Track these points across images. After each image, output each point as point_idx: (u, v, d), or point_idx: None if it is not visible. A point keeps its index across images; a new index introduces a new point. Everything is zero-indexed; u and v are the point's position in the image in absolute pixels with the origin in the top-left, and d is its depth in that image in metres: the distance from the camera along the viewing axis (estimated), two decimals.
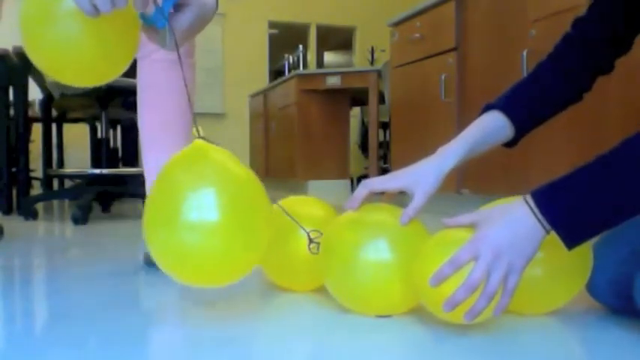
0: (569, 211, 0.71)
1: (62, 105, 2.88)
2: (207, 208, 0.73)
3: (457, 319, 0.74)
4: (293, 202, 1.02)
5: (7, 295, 1.07)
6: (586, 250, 0.82)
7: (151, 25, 0.79)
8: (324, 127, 4.57)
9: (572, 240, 0.72)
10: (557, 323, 0.83)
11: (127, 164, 3.55)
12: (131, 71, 1.04)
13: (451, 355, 0.71)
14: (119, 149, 3.59)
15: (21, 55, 2.69)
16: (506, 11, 2.20)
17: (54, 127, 3.50)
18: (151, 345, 0.79)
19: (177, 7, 0.80)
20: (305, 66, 6.45)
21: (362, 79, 4.03)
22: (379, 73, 3.89)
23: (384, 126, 4.63)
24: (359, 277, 0.83)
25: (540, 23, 2.00)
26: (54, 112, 3.27)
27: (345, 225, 0.88)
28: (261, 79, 6.82)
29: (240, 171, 0.79)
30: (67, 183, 3.99)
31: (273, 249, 0.86)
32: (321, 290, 0.94)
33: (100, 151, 2.70)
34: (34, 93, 3.10)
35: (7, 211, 2.78)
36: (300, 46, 5.88)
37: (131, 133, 3.63)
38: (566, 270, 0.83)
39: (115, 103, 2.60)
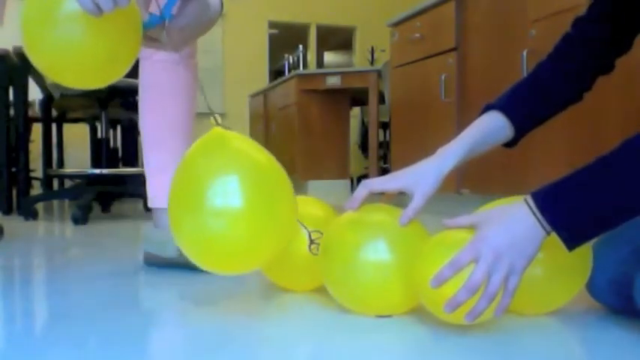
0: (569, 212, 0.71)
1: (62, 105, 2.88)
2: (232, 195, 0.74)
3: (458, 320, 0.74)
4: None
5: (7, 295, 1.07)
6: (586, 250, 0.82)
7: (148, 29, 0.79)
8: (324, 127, 4.57)
9: (572, 241, 0.72)
10: (557, 323, 0.83)
11: (126, 164, 3.55)
12: (132, 72, 1.04)
13: (451, 355, 0.71)
14: (119, 149, 3.60)
15: (21, 55, 2.69)
16: (506, 11, 2.20)
17: (54, 127, 3.50)
18: (151, 345, 0.79)
19: (180, 9, 0.79)
20: (305, 66, 6.45)
21: (362, 79, 4.03)
22: (379, 73, 3.89)
23: (384, 126, 4.63)
24: (359, 277, 0.83)
25: (540, 23, 2.00)
26: (54, 112, 3.27)
27: (345, 225, 0.88)
28: (261, 79, 6.82)
29: (262, 157, 0.80)
30: (67, 183, 4.00)
31: None
32: (321, 290, 0.94)
33: (100, 151, 2.70)
34: (34, 93, 3.10)
35: (7, 211, 2.78)
36: (300, 46, 5.88)
37: (131, 133, 3.63)
38: (566, 270, 0.83)
39: (115, 103, 2.61)
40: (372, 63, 5.65)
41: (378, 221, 0.87)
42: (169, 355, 0.74)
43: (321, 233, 0.92)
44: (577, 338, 0.80)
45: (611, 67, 0.95)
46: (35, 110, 3.60)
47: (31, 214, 2.49)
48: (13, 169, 2.87)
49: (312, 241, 0.93)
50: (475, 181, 2.36)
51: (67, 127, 3.84)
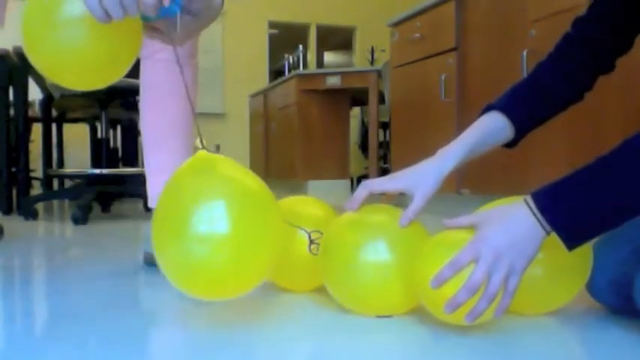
0: (569, 212, 0.71)
1: (62, 105, 2.88)
2: (216, 221, 0.71)
3: (458, 321, 0.74)
4: (293, 202, 1.02)
5: (7, 295, 1.07)
6: (586, 249, 0.82)
7: (155, 21, 0.78)
8: (324, 127, 4.57)
9: (572, 241, 0.72)
10: (557, 323, 0.83)
11: (126, 164, 3.55)
12: (132, 71, 1.04)
13: (451, 355, 0.71)
14: (119, 149, 3.60)
15: (21, 55, 2.69)
16: (506, 11, 2.20)
17: (54, 127, 3.50)
18: (151, 345, 0.79)
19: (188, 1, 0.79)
20: (305, 66, 6.45)
21: (362, 79, 4.03)
22: (379, 73, 3.89)
23: (384, 126, 4.63)
24: (359, 277, 0.83)
25: (540, 23, 2.00)
26: (54, 112, 3.27)
27: (345, 226, 0.88)
28: (261, 79, 6.82)
29: (250, 181, 0.77)
30: (67, 183, 4.00)
31: None
32: (321, 290, 0.94)
33: (100, 151, 2.70)
34: (34, 93, 3.10)
35: (7, 211, 2.78)
36: (300, 46, 5.88)
37: (131, 133, 3.63)
38: (566, 270, 0.83)
39: (114, 103, 2.61)
40: (372, 63, 5.66)
41: (378, 221, 0.87)
42: (169, 355, 0.74)
43: (321, 233, 0.92)
44: (577, 338, 0.80)
45: (612, 67, 0.95)
46: (35, 110, 3.60)
47: (31, 214, 2.49)
48: (13, 169, 2.87)
49: (312, 241, 0.93)
50: (475, 181, 2.37)
51: (67, 127, 3.85)
